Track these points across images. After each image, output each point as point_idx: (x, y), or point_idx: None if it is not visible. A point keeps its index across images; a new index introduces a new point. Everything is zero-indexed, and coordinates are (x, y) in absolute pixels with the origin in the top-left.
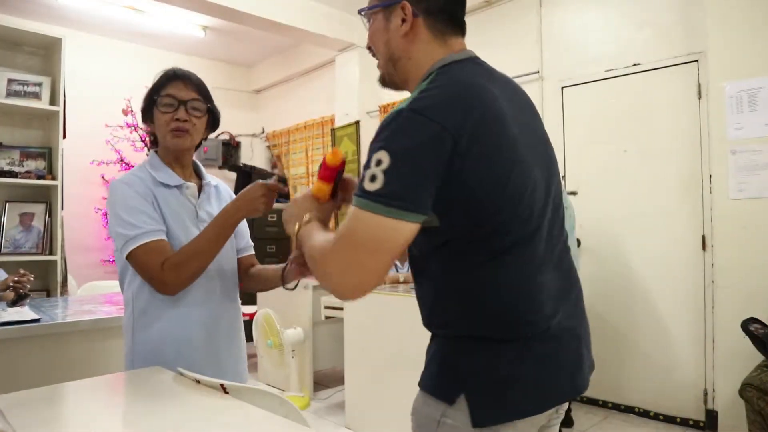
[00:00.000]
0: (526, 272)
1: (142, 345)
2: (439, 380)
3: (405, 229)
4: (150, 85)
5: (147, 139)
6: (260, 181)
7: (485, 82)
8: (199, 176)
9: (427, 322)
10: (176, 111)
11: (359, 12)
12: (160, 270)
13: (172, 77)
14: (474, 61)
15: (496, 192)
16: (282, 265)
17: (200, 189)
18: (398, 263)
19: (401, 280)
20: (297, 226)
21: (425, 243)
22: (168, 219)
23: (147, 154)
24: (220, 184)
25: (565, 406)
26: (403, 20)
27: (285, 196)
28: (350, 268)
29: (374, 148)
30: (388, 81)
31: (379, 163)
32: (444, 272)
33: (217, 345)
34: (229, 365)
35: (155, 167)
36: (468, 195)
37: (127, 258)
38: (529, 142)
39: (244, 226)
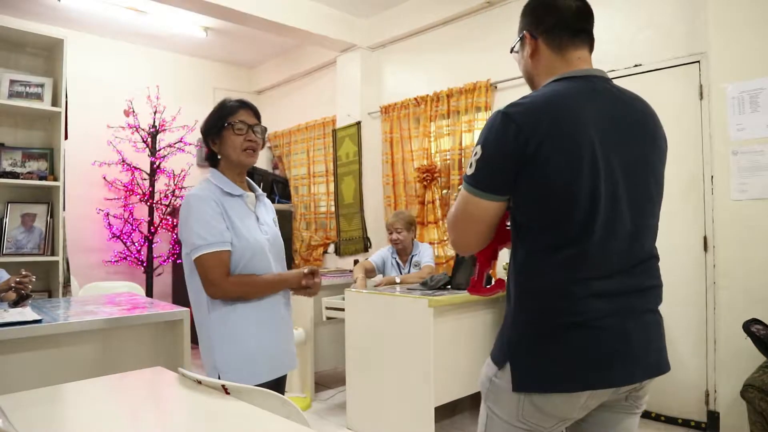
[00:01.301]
0: (569, 269)
1: (218, 329)
2: (497, 346)
3: (488, 206)
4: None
5: (147, 142)
6: (304, 271)
7: (576, 98)
8: (251, 189)
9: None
10: (247, 134)
11: (511, 51)
12: (224, 277)
13: (242, 105)
14: (583, 79)
15: (554, 191)
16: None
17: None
18: (400, 263)
19: (398, 281)
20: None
21: (514, 225)
22: (236, 222)
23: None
24: (264, 195)
25: (641, 396)
26: (529, 45)
27: (286, 196)
28: (457, 233)
29: (477, 141)
30: None
31: (475, 154)
32: (517, 253)
33: (282, 326)
34: (291, 346)
35: (220, 181)
36: (533, 189)
37: (194, 262)
38: (610, 157)
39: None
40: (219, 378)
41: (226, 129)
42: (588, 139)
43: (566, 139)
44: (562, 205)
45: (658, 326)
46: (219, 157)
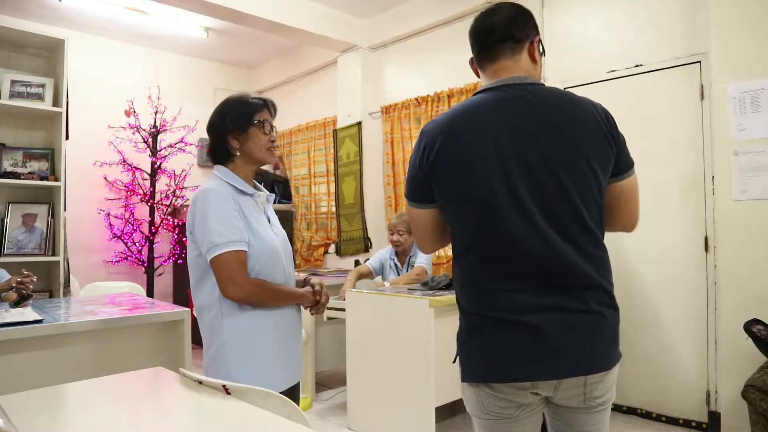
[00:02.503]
0: (483, 269)
1: (233, 335)
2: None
3: (420, 213)
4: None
5: (143, 142)
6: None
7: (478, 109)
8: (256, 188)
9: None
10: (270, 133)
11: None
12: (247, 278)
13: (266, 104)
14: (495, 90)
15: (456, 198)
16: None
17: None
18: (398, 264)
19: (387, 285)
20: None
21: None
22: (252, 222)
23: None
24: (273, 196)
25: (597, 396)
26: (473, 70)
27: (288, 199)
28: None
29: None
30: None
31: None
32: (453, 254)
33: (295, 336)
34: (299, 349)
35: (232, 179)
36: (442, 196)
37: (212, 260)
38: (511, 160)
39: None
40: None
41: (255, 126)
42: (484, 146)
43: (461, 149)
44: (464, 209)
45: (596, 326)
46: (236, 153)
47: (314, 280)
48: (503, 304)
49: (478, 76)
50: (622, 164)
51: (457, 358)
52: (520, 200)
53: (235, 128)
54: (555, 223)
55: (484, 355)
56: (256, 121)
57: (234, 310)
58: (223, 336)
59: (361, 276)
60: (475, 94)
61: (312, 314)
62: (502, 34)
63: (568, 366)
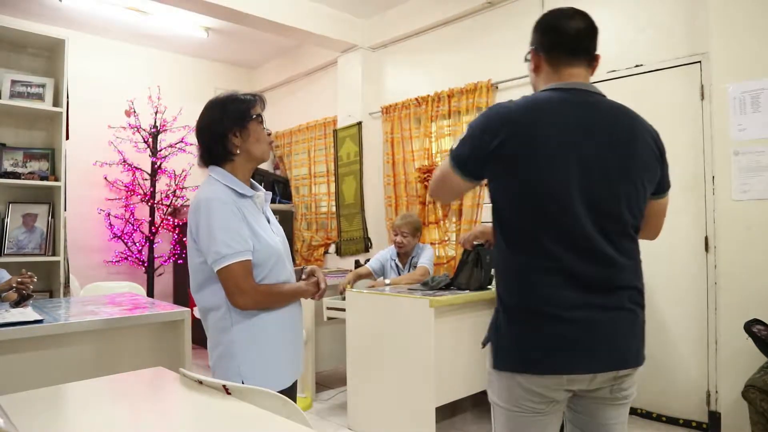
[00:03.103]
0: (541, 261)
1: (242, 333)
2: (486, 334)
3: (459, 183)
4: (147, 87)
5: (144, 142)
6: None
7: (552, 105)
8: (254, 188)
9: None
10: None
11: (525, 61)
12: (255, 287)
13: (257, 99)
14: (566, 90)
15: (511, 187)
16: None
17: None
18: (399, 265)
19: (387, 282)
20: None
21: (494, 216)
22: (255, 227)
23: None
24: (270, 194)
25: (624, 388)
26: (533, 60)
27: (288, 199)
28: (434, 190)
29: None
30: None
31: (463, 133)
32: (498, 244)
33: (299, 331)
34: (301, 344)
35: (230, 181)
36: (503, 181)
37: (219, 271)
38: (573, 154)
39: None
40: (243, 384)
41: (254, 121)
42: (551, 141)
43: (535, 140)
44: (526, 197)
45: (631, 323)
46: (237, 152)
47: (308, 268)
48: (552, 298)
49: (537, 72)
50: (664, 185)
51: (489, 345)
52: (579, 200)
53: (236, 126)
54: (603, 226)
55: (529, 347)
56: (254, 116)
57: (243, 314)
58: (232, 335)
59: (360, 278)
60: (543, 91)
61: (316, 300)
62: (587, 44)
63: (608, 361)
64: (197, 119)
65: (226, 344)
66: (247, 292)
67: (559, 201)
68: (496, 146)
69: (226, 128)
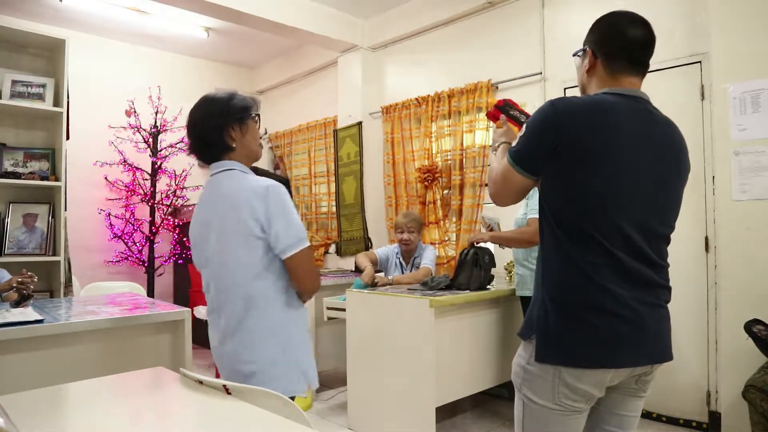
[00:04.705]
0: (593, 258)
1: (299, 328)
2: (525, 323)
3: (520, 180)
4: (152, 86)
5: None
6: None
7: (615, 109)
8: None
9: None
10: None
11: (573, 54)
12: (318, 271)
13: (256, 102)
14: (627, 97)
15: (573, 183)
16: None
17: None
18: (403, 263)
19: (390, 280)
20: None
21: (542, 212)
22: None
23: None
24: None
25: (649, 380)
26: (588, 60)
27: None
28: (495, 191)
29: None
30: None
31: (521, 132)
32: (546, 239)
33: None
34: None
35: (251, 173)
36: (560, 178)
37: (297, 253)
38: (639, 161)
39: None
40: (302, 379)
41: (252, 119)
42: (616, 145)
43: (600, 138)
44: (586, 199)
45: (667, 319)
46: (234, 146)
47: None
48: (602, 295)
49: (590, 72)
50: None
51: (530, 339)
52: (637, 205)
53: (236, 120)
54: (652, 230)
55: (579, 341)
56: (253, 115)
57: (295, 303)
58: (290, 332)
59: (370, 261)
60: (602, 94)
61: None
62: (649, 56)
63: (651, 354)
64: (191, 113)
65: (282, 342)
66: (317, 275)
67: (619, 203)
68: (557, 145)
69: (226, 121)
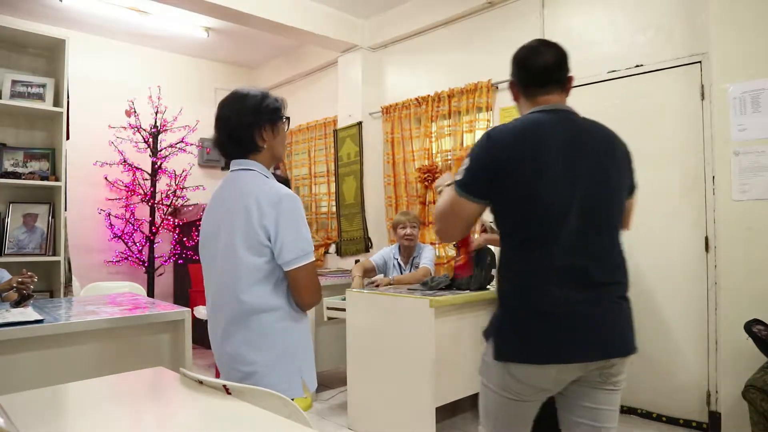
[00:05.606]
0: (537, 263)
1: (301, 336)
2: (487, 325)
3: (469, 207)
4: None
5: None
6: None
7: (542, 124)
8: None
9: None
10: None
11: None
12: (320, 284)
13: (286, 105)
14: (550, 112)
15: (520, 198)
16: None
17: None
18: (402, 264)
19: (391, 281)
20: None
21: (497, 226)
22: None
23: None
24: None
25: (613, 374)
26: (511, 91)
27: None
28: (443, 225)
29: (467, 154)
30: None
31: (464, 164)
32: (502, 248)
33: None
34: None
35: (271, 178)
36: (504, 196)
37: (301, 267)
38: (568, 169)
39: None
40: (302, 383)
41: (283, 122)
42: (547, 156)
43: (531, 155)
44: (527, 210)
45: (619, 314)
46: (263, 146)
47: None
48: (548, 297)
49: (516, 99)
50: (633, 187)
51: (490, 338)
52: (575, 206)
53: (270, 120)
54: (596, 227)
55: (528, 340)
56: (284, 117)
57: (298, 311)
58: (291, 336)
59: (365, 271)
60: (530, 114)
61: None
62: (555, 74)
63: (603, 350)
64: (222, 107)
65: (284, 345)
66: (319, 289)
67: (557, 209)
68: (496, 168)
69: (260, 120)
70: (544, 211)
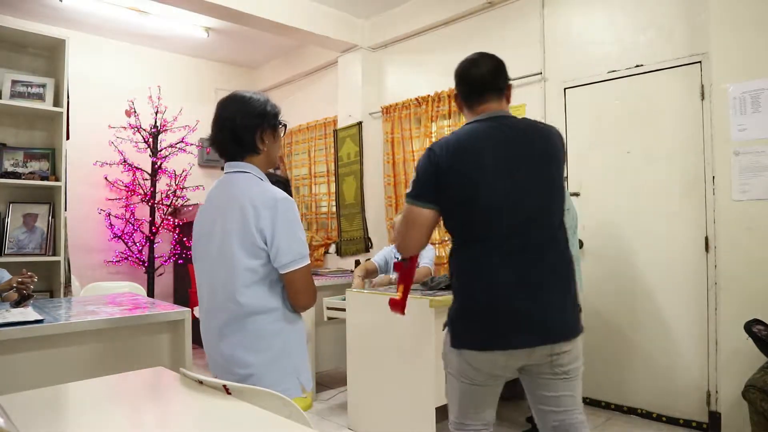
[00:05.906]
0: (477, 258)
1: (296, 335)
2: (446, 319)
3: (422, 213)
4: (152, 90)
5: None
6: None
7: (477, 133)
8: None
9: None
10: None
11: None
12: (315, 287)
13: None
14: (486, 120)
15: (460, 201)
16: None
17: None
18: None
19: (393, 280)
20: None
21: (445, 226)
22: None
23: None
24: None
25: (563, 364)
26: (456, 103)
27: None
28: (401, 237)
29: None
30: None
31: (413, 177)
32: (450, 246)
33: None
34: None
35: (266, 181)
36: (448, 199)
37: (295, 270)
38: (504, 171)
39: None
40: (299, 383)
41: (280, 128)
42: (483, 161)
43: (469, 161)
44: (469, 213)
45: (561, 301)
46: (262, 149)
47: None
48: (489, 291)
49: (461, 110)
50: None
51: (447, 328)
52: (511, 203)
53: (271, 125)
54: (534, 220)
55: (476, 330)
56: (282, 124)
57: (293, 313)
58: (286, 336)
59: (367, 272)
60: (467, 124)
61: None
62: (491, 84)
63: (544, 336)
64: (224, 107)
65: (279, 346)
66: (314, 291)
67: (495, 210)
68: (439, 176)
69: (263, 124)
70: (483, 213)
